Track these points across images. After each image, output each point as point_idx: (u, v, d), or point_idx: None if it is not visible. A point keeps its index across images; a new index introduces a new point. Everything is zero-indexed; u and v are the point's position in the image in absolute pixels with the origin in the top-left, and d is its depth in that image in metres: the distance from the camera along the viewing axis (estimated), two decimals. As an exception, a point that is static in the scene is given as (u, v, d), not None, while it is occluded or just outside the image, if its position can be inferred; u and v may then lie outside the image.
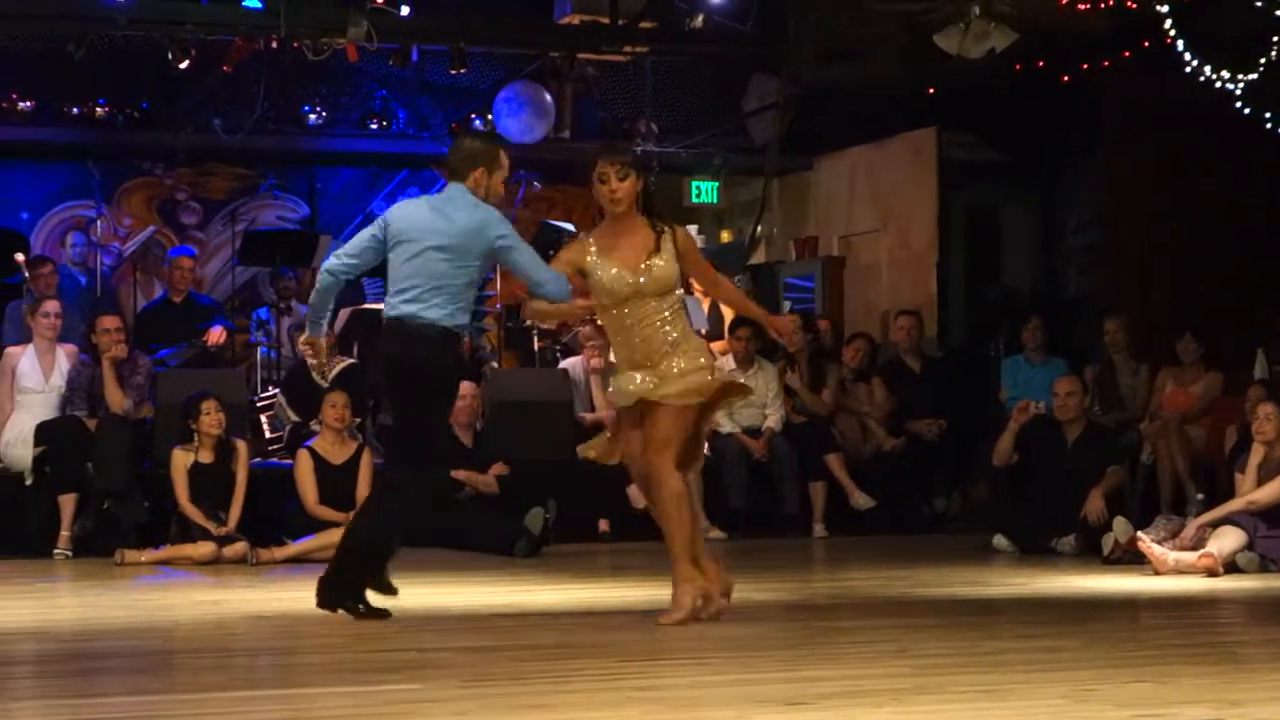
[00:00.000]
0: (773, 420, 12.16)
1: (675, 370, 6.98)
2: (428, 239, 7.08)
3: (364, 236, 7.26)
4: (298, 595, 8.35)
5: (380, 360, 7.34)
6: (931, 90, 14.32)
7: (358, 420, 11.26)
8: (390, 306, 7.13)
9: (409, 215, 7.21)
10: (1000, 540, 10.72)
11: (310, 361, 8.59)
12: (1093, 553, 10.06)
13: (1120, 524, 9.80)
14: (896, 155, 15.08)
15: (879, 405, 12.75)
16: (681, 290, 7.38)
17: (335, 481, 10.43)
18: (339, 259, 7.22)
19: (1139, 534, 9.43)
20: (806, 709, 4.92)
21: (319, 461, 10.47)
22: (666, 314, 7.05)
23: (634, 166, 7.11)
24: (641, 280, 7.01)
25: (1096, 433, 10.95)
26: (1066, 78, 13.68)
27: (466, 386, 10.88)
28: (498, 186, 7.29)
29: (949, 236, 14.67)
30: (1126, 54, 13.22)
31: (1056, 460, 10.72)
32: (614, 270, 7.03)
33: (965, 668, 5.76)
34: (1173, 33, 12.06)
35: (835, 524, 12.05)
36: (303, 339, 7.65)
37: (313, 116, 15.33)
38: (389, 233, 7.15)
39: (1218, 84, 12.18)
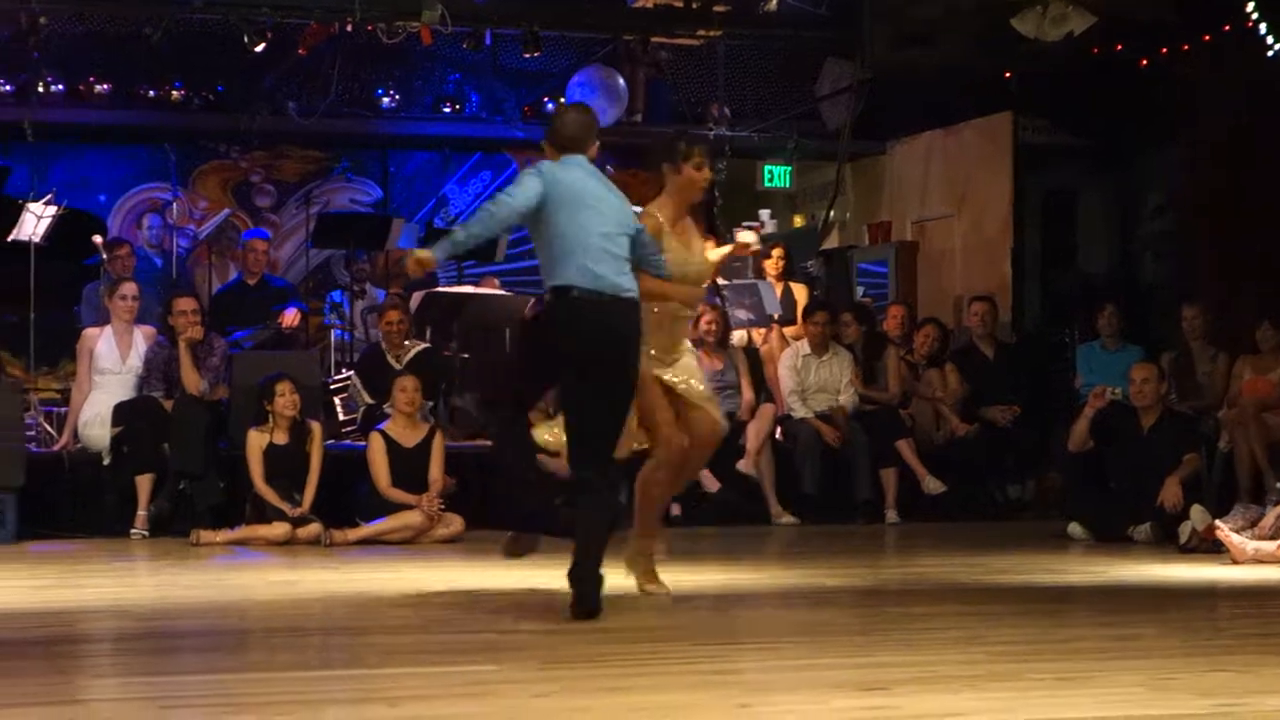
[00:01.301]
0: (845, 405, 12.12)
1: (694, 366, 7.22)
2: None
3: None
4: (371, 576, 8.41)
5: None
6: (1007, 74, 14.22)
7: (430, 403, 11.31)
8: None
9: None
10: (1075, 528, 10.63)
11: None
12: (1169, 541, 9.96)
13: (1198, 512, 9.69)
14: (971, 139, 14.98)
15: (952, 391, 12.68)
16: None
17: (407, 464, 10.47)
18: None
19: (1217, 522, 9.34)
20: (881, 694, 4.89)
21: (391, 444, 10.51)
22: (688, 310, 7.30)
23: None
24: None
25: (1173, 420, 10.82)
26: (1144, 61, 13.54)
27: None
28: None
29: (1024, 221, 14.56)
30: (1207, 37, 13.07)
31: (1132, 447, 10.60)
32: (685, 252, 7.08)
33: (1041, 655, 5.73)
34: (1255, 15, 11.90)
35: (908, 510, 11.99)
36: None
37: (386, 100, 15.37)
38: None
39: (1299, 68, 12.02)
